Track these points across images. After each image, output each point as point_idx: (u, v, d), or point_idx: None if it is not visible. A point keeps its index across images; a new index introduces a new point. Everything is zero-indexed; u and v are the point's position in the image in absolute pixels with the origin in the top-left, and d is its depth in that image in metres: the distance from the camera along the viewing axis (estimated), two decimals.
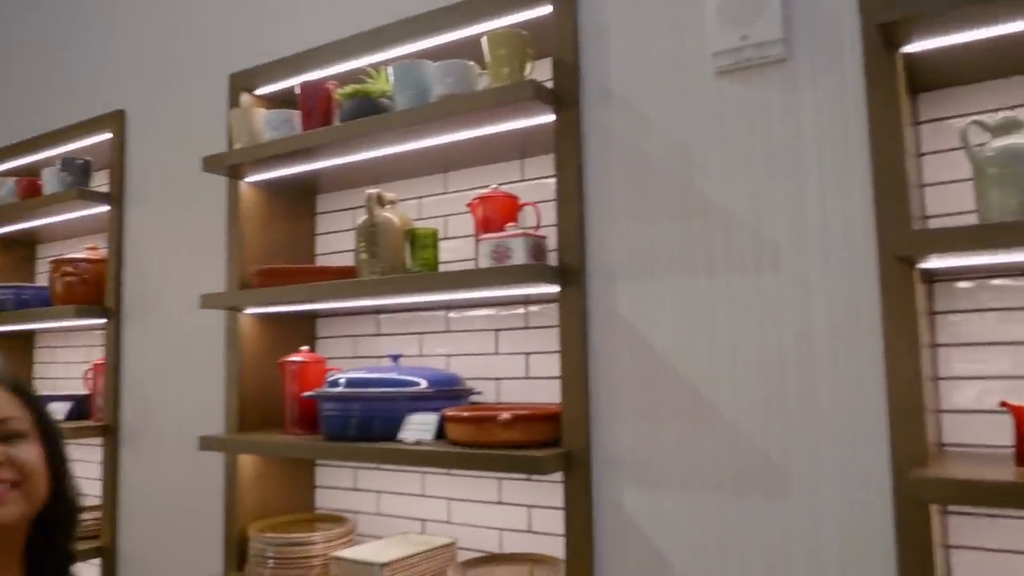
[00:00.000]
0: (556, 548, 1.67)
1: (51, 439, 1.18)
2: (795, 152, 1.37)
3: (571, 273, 1.54)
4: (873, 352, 1.28)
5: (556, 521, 1.70)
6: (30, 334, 3.06)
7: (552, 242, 1.68)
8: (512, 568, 1.66)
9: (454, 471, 1.90)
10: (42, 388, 3.00)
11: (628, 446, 1.49)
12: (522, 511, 1.79)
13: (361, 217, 1.82)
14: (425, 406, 1.70)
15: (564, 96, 1.58)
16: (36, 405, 1.19)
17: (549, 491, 1.72)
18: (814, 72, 1.37)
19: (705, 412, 1.41)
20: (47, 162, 2.71)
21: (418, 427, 1.65)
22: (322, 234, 2.21)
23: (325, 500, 2.14)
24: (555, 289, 1.56)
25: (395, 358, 1.85)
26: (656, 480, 1.46)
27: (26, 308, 2.63)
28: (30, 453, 1.13)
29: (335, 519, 2.03)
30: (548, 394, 1.75)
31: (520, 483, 1.79)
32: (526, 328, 1.82)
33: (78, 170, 2.53)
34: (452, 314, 1.94)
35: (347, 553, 1.74)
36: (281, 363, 1.96)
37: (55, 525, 1.17)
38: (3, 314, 2.65)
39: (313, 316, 2.19)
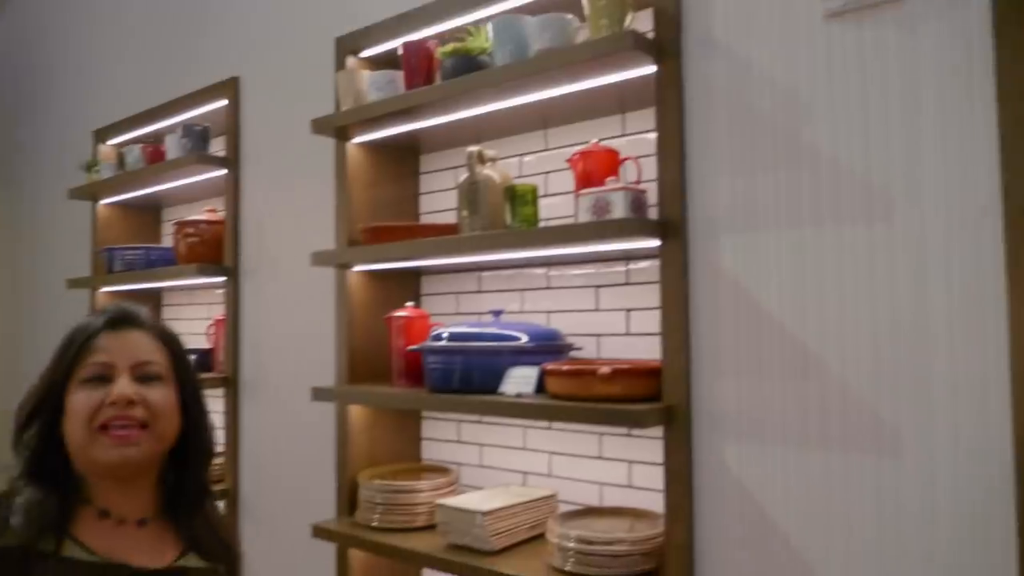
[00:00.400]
0: (656, 504, 1.67)
1: (186, 383, 1.25)
2: (911, 97, 1.30)
3: (672, 227, 1.52)
4: (995, 309, 1.21)
5: (656, 477, 1.70)
6: (158, 292, 3.26)
7: (653, 197, 1.66)
8: (612, 521, 1.67)
9: (555, 426, 1.92)
10: None
11: (730, 402, 1.47)
12: (622, 466, 1.80)
13: (462, 175, 1.84)
14: (526, 360, 1.72)
15: (665, 46, 1.55)
16: (176, 351, 1.26)
17: (649, 447, 1.72)
18: (934, 10, 1.29)
19: (812, 368, 1.38)
20: (169, 129, 2.86)
21: (519, 380, 1.68)
22: (425, 193, 2.25)
23: (430, 452, 2.21)
24: (655, 243, 1.55)
25: (497, 313, 1.88)
26: (759, 436, 1.43)
27: (153, 268, 2.80)
28: (163, 395, 1.20)
29: (440, 469, 2.10)
30: (649, 351, 1.74)
31: (620, 438, 1.80)
32: (627, 284, 1.81)
33: (197, 136, 2.66)
34: (553, 271, 1.95)
35: (451, 501, 1.80)
36: (387, 318, 2.02)
37: (187, 460, 1.25)
38: (134, 273, 2.84)
39: (417, 273, 2.24)
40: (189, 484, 1.26)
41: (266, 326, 2.52)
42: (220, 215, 2.69)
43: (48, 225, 3.80)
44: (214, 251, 2.64)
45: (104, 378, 1.17)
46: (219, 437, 2.72)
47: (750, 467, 1.44)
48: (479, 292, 2.12)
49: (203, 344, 2.82)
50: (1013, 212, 1.16)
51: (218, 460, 2.64)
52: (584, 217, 1.58)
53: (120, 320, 1.23)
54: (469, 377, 1.75)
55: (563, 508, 1.85)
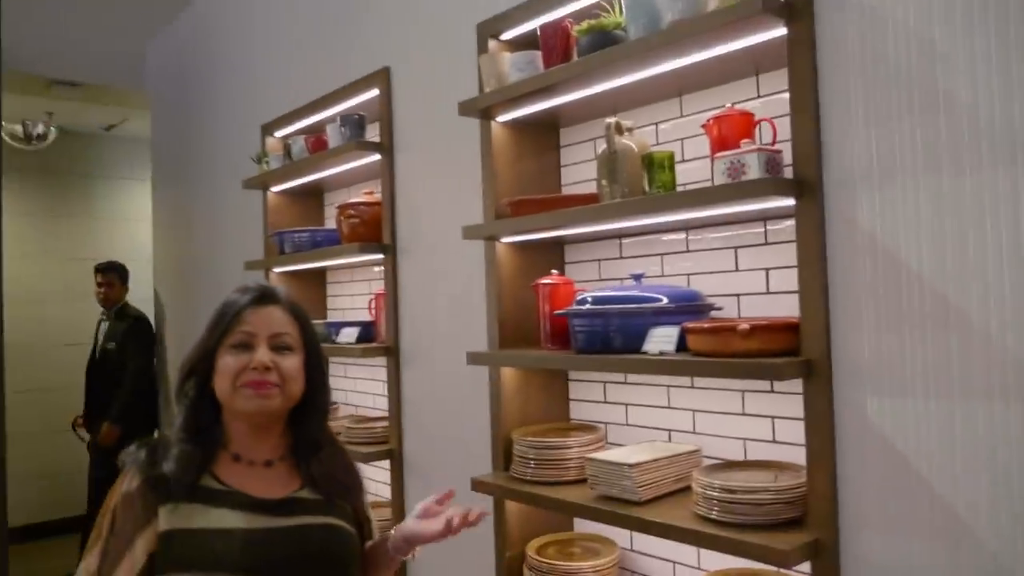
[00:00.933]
0: (800, 458, 1.71)
1: (312, 352, 1.54)
2: None
3: (807, 184, 1.55)
4: None
5: (799, 432, 1.74)
6: (322, 271, 3.55)
7: (789, 157, 1.69)
8: (756, 472, 1.73)
9: (697, 384, 1.99)
10: (333, 316, 3.48)
11: (870, 354, 1.49)
12: (765, 422, 1.85)
13: (601, 146, 1.93)
14: (667, 321, 1.80)
15: (797, 6, 1.57)
16: (305, 324, 1.55)
17: (792, 403, 1.77)
18: None
19: (953, 319, 1.39)
20: (329, 120, 3.10)
21: (661, 339, 1.76)
22: (566, 165, 2.36)
23: (578, 412, 2.32)
24: (791, 202, 1.58)
25: (637, 277, 1.96)
26: (900, 388, 1.45)
27: (319, 248, 3.06)
28: (292, 363, 1.48)
29: (587, 428, 2.21)
30: (789, 309, 1.77)
31: (763, 395, 1.85)
32: (765, 244, 1.85)
33: (354, 124, 2.88)
34: (692, 235, 2.01)
35: (599, 455, 1.90)
36: (534, 285, 2.15)
37: (308, 416, 1.55)
38: (302, 254, 3.11)
39: (560, 243, 2.35)
40: (310, 433, 1.54)
41: (423, 298, 2.71)
42: (377, 197, 2.90)
43: (225, 213, 4.18)
44: (373, 231, 2.85)
45: (248, 345, 1.46)
46: (383, 403, 2.97)
47: (891, 419, 1.47)
48: (620, 258, 2.20)
49: (365, 317, 3.06)
50: None
51: (382, 423, 2.88)
52: (720, 180, 1.64)
53: (262, 297, 1.51)
54: (613, 338, 1.85)
55: (707, 463, 1.92)
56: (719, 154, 1.66)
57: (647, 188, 1.82)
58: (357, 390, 3.32)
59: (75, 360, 5.44)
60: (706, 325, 1.67)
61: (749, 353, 1.59)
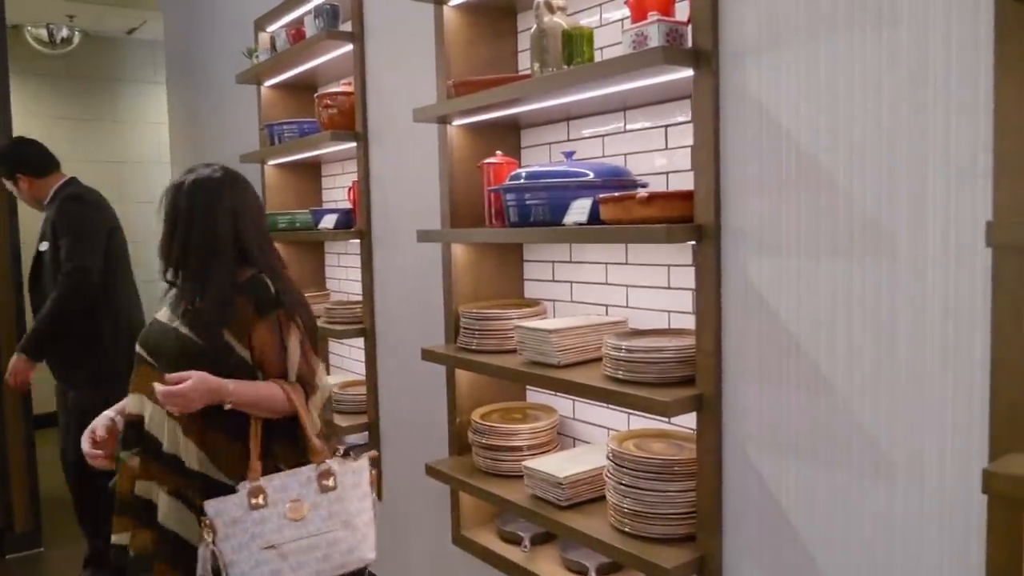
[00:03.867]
0: None
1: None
2: None
3: (703, 55, 1.59)
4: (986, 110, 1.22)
5: None
6: (317, 163, 3.67)
7: None
8: (660, 339, 1.82)
9: (631, 260, 2.08)
10: (326, 206, 3.61)
11: (753, 218, 1.56)
12: (687, 294, 1.94)
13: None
14: (592, 195, 1.87)
15: None
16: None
17: None
18: None
19: (823, 179, 1.44)
20: (308, 13, 3.15)
21: (576, 211, 1.84)
22: (524, 51, 2.40)
23: (531, 291, 2.44)
24: (689, 73, 1.63)
25: (568, 155, 2.03)
26: (776, 249, 1.52)
27: (306, 137, 3.15)
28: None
29: (531, 303, 2.33)
30: None
31: (687, 269, 1.92)
32: (688, 123, 1.90)
33: (328, 15, 2.93)
34: (629, 116, 2.06)
35: (526, 323, 2.02)
36: (479, 165, 2.23)
37: None
38: (288, 143, 3.23)
39: (516, 127, 2.41)
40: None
41: (391, 184, 2.81)
42: (351, 88, 2.98)
43: (225, 110, 4.30)
44: (349, 119, 2.94)
45: None
46: (358, 287, 3.12)
47: (769, 277, 1.54)
48: (567, 141, 2.27)
49: (346, 205, 3.18)
50: None
51: (357, 306, 3.03)
52: (625, 52, 1.68)
53: None
54: (540, 212, 1.94)
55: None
56: (628, 27, 1.70)
57: (565, 66, 1.87)
58: (347, 278, 3.48)
59: None
60: (614, 196, 1.74)
61: (650, 220, 1.67)
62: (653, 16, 1.67)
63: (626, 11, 2.01)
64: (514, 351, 2.13)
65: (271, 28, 3.61)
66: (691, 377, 1.70)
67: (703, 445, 1.66)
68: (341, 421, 3.04)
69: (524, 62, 2.39)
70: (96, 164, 6.61)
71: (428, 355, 2.32)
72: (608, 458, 1.84)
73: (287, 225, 3.42)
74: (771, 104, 1.52)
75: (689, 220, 1.66)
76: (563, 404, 2.32)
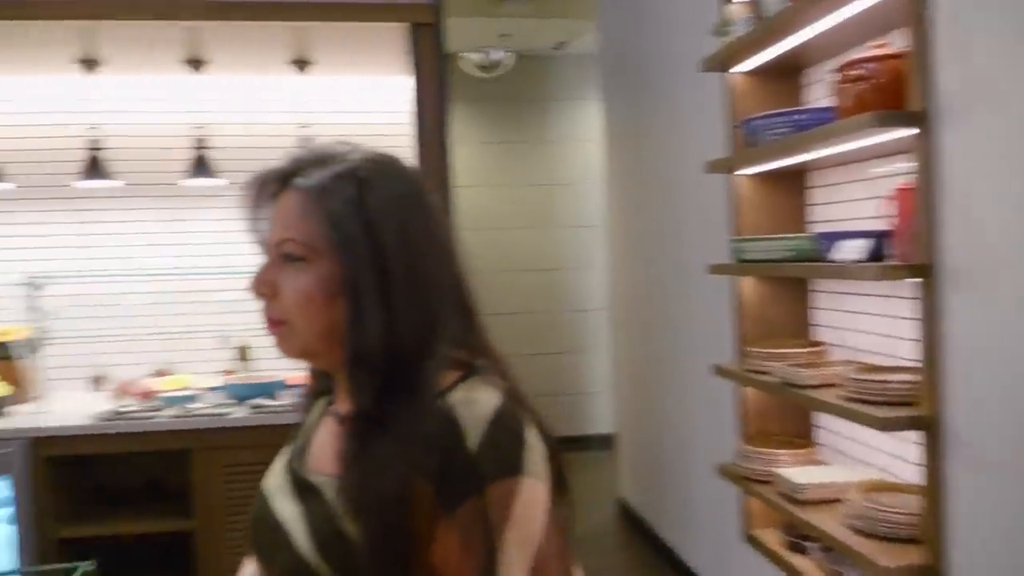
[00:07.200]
0: None
1: (353, 261, 0.90)
2: None
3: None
4: None
5: None
6: (799, 172, 2.72)
7: None
8: None
9: None
10: (818, 229, 2.64)
11: None
12: None
13: None
14: None
15: None
16: (339, 217, 0.90)
17: None
18: None
19: None
20: None
21: None
22: None
23: None
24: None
25: None
26: None
27: (817, 129, 2.19)
28: (300, 283, 0.92)
29: None
30: None
31: None
32: None
33: None
34: None
35: None
36: None
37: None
38: (779, 142, 2.33)
39: None
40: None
41: (987, 191, 1.74)
42: (894, 49, 1.98)
43: (678, 111, 3.63)
44: (889, 97, 1.94)
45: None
46: (902, 347, 2.09)
47: None
48: None
49: (873, 227, 2.17)
50: None
51: (903, 375, 2.00)
52: None
53: (283, 178, 0.96)
54: None
55: None
56: None
57: None
58: (859, 328, 2.45)
59: (538, 284, 6.25)
60: None
61: None
62: None
63: None
64: None
65: None
66: None
67: None
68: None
69: None
70: (525, 188, 6.46)
71: None
72: None
73: (763, 255, 2.53)
74: None
75: None
76: None
